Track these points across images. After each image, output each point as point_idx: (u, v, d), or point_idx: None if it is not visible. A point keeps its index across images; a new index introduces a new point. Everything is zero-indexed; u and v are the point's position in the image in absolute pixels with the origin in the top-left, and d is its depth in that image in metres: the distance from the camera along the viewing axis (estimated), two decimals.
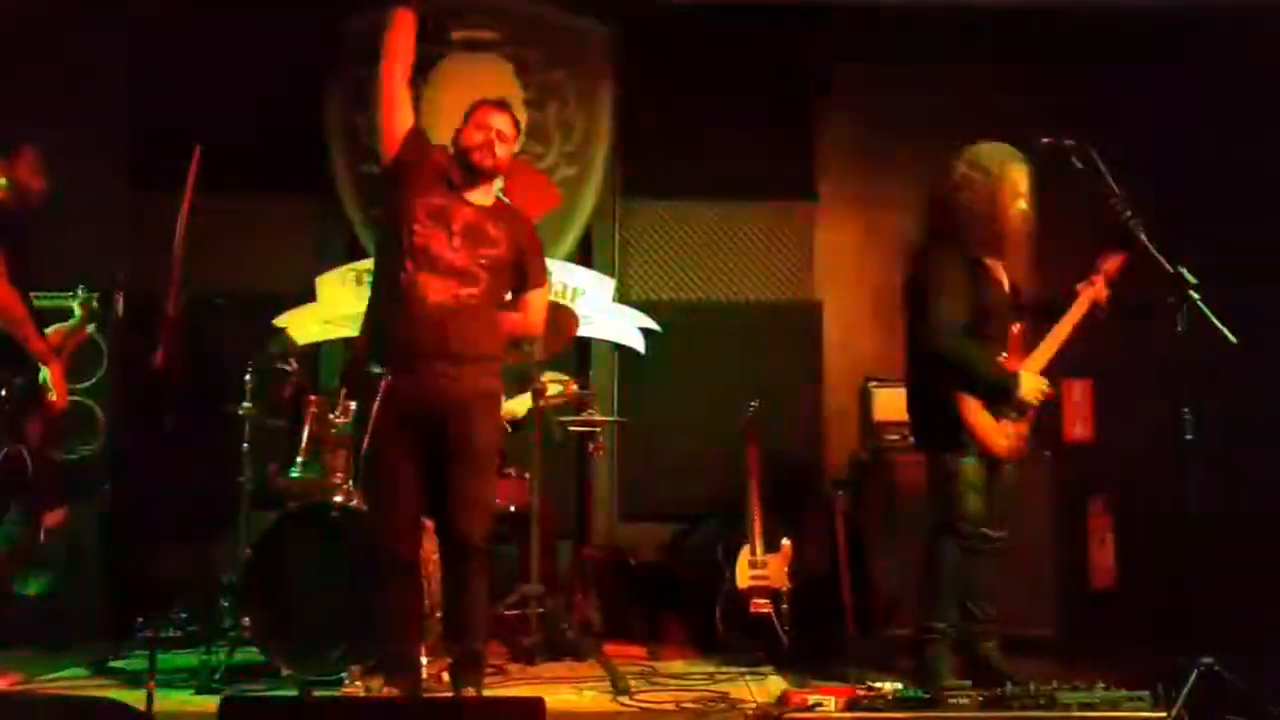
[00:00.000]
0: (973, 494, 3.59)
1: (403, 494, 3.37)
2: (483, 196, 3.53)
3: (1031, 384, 3.63)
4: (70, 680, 4.02)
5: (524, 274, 3.58)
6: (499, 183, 3.72)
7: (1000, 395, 3.59)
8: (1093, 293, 3.67)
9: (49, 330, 4.23)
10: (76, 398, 4.81)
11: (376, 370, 3.31)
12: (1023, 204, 3.56)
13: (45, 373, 3.93)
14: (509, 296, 3.60)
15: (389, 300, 3.40)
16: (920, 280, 3.65)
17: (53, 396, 3.88)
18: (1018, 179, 3.57)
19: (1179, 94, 5.45)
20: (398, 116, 3.45)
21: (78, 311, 4.30)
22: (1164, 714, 2.91)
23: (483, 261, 3.43)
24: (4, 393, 3.79)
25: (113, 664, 4.15)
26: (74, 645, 4.46)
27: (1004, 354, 3.65)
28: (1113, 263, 3.67)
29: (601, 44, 5.80)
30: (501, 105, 3.57)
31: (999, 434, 3.62)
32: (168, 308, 3.07)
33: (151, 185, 4.91)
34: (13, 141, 4.04)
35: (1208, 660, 3.07)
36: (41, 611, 4.67)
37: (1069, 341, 3.67)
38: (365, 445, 3.24)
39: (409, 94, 3.49)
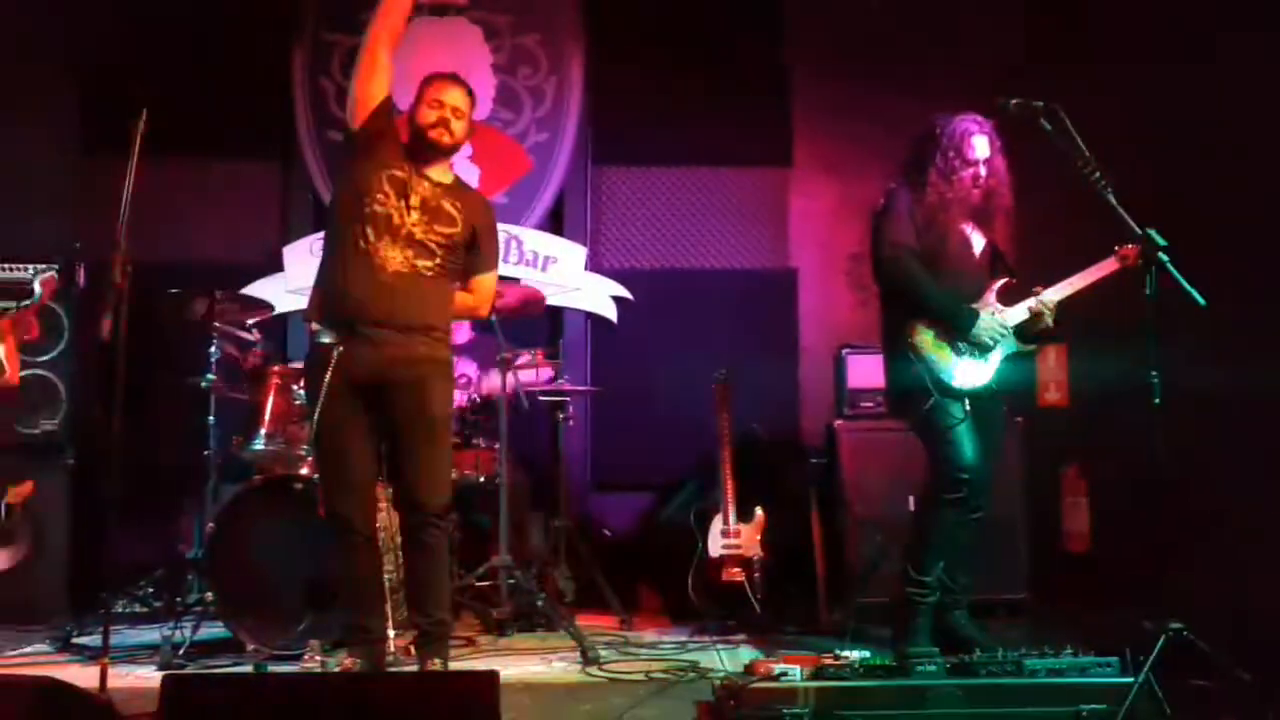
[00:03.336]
0: (959, 434, 3.59)
1: (354, 462, 3.35)
2: (441, 173, 3.47)
3: (989, 324, 3.65)
4: (32, 657, 3.97)
5: (477, 255, 3.52)
6: (466, 149, 3.67)
7: (950, 322, 3.65)
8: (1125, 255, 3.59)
9: (10, 311, 4.12)
10: (39, 371, 4.74)
11: (326, 340, 3.28)
12: (979, 170, 3.69)
13: None
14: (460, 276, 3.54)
15: (344, 267, 3.34)
16: (876, 215, 3.78)
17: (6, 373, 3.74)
18: (973, 146, 3.69)
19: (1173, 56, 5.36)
20: (374, 84, 3.38)
21: (38, 289, 4.14)
22: (1131, 679, 2.89)
23: (438, 239, 3.38)
24: None
25: (77, 640, 4.09)
26: (45, 621, 4.41)
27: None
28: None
29: (572, 7, 5.71)
30: (454, 79, 3.49)
31: (954, 366, 3.64)
32: (114, 276, 2.99)
33: (108, 152, 4.82)
34: None
35: (1176, 625, 3.04)
36: (11, 588, 4.62)
37: (1086, 291, 3.67)
38: (315, 414, 3.20)
39: (391, 64, 3.40)
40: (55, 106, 5.36)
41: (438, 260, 3.38)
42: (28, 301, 4.05)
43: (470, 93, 3.50)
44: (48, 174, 5.13)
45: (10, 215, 4.36)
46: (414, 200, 3.36)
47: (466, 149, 5.46)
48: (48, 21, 5.40)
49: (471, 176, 5.41)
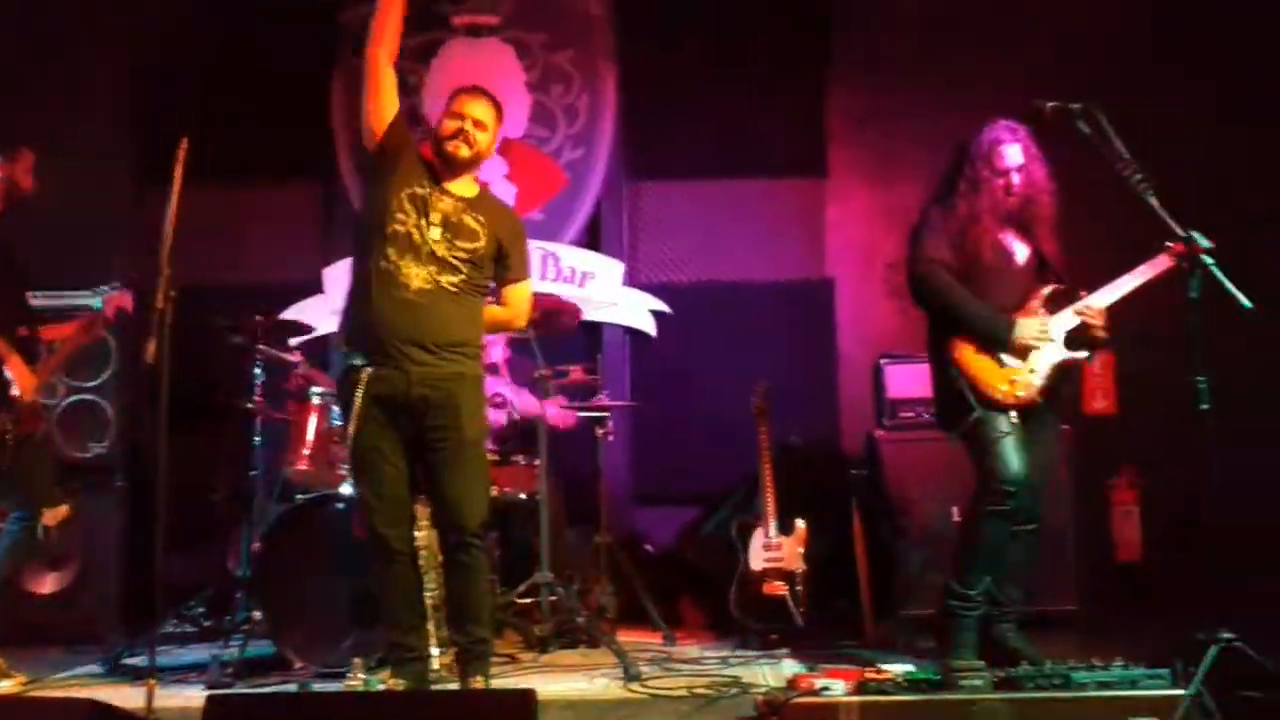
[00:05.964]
0: (1005, 446, 3.52)
1: (389, 482, 3.35)
2: (464, 187, 3.46)
3: (1030, 328, 3.59)
4: (81, 679, 4.01)
5: (505, 266, 3.50)
6: (501, 168, 3.69)
7: (988, 334, 3.60)
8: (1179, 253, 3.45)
9: (60, 327, 4.21)
10: (88, 395, 4.84)
11: (357, 361, 3.30)
12: (1011, 179, 3.63)
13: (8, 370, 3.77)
14: (492, 287, 3.54)
15: (369, 288, 3.34)
16: (912, 232, 3.77)
17: (15, 391, 3.78)
18: (1002, 155, 3.64)
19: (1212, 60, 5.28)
20: (383, 101, 3.37)
21: (98, 304, 4.19)
22: (1183, 691, 2.82)
23: (461, 255, 3.36)
24: None
25: (127, 661, 4.14)
26: (98, 642, 4.47)
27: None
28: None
29: (604, 23, 5.73)
30: (480, 92, 3.47)
31: (998, 378, 3.59)
32: (157, 300, 3.05)
33: (158, 180, 4.91)
34: (13, 144, 4.05)
35: (1227, 635, 2.97)
36: (63, 610, 4.70)
37: (1136, 294, 3.59)
38: (350, 435, 3.23)
39: (395, 79, 3.41)
40: (105, 136, 5.47)
41: (463, 276, 3.37)
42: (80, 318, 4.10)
43: (497, 106, 3.47)
44: (100, 203, 5.24)
45: (64, 245, 4.43)
46: (435, 217, 3.35)
47: (502, 167, 5.56)
48: (97, 52, 5.53)
49: (508, 194, 5.44)
